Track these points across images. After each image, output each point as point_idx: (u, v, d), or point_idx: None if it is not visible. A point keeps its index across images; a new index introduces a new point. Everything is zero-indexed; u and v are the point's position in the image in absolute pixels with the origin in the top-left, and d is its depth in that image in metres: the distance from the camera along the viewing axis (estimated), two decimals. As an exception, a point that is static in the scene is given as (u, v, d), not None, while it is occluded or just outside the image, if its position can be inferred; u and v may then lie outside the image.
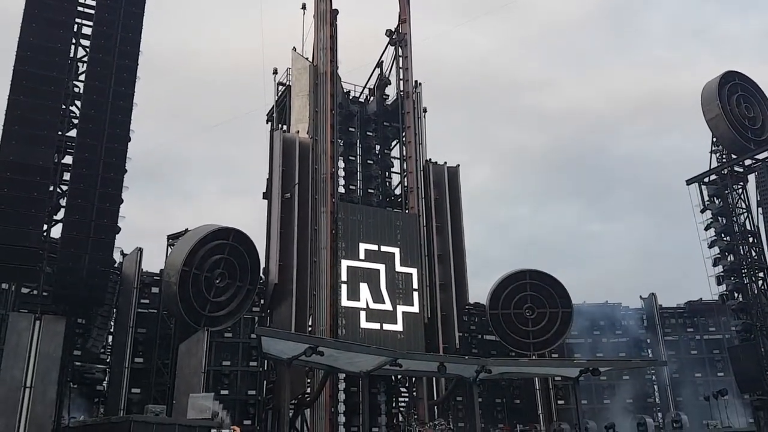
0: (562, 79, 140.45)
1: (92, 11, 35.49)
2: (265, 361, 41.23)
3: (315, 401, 37.20)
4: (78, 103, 34.52)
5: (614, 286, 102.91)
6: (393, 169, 48.25)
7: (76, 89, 34.84)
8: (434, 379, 41.15)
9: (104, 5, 35.36)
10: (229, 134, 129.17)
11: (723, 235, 50.39)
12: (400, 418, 42.21)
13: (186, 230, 40.57)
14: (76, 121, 34.22)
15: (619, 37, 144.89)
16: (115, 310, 40.97)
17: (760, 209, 49.68)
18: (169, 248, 41.69)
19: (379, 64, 48.85)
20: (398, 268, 42.32)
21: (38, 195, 31.74)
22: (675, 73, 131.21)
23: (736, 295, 49.50)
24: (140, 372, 40.81)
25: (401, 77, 47.78)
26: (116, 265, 39.71)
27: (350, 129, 46.74)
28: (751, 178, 51.03)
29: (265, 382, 42.48)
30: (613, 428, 45.99)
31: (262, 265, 40.39)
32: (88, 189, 32.63)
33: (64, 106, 34.00)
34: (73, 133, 33.99)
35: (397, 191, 47.58)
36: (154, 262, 44.20)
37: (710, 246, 50.72)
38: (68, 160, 33.52)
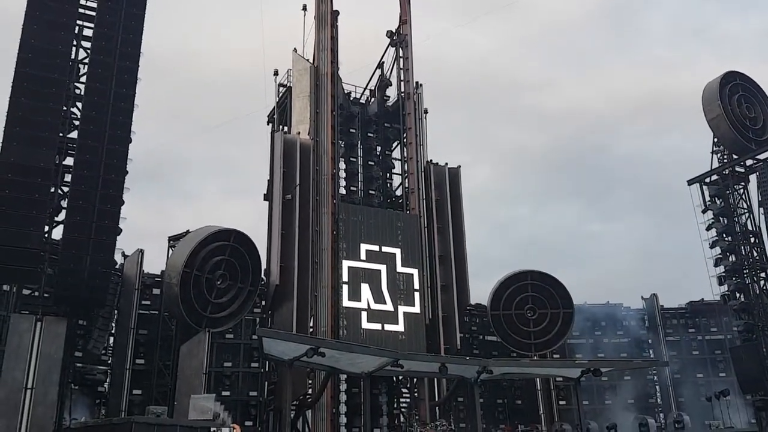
0: (562, 79, 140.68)
1: (93, 13, 35.61)
2: (267, 362, 41.29)
3: (316, 402, 37.25)
4: (79, 104, 34.63)
5: (614, 286, 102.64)
6: (394, 170, 48.40)
7: (78, 91, 34.98)
8: (436, 379, 41.20)
9: (105, 7, 35.44)
10: (230, 135, 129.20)
11: (724, 236, 50.36)
12: (402, 419, 42.31)
13: (187, 231, 40.58)
14: (77, 123, 34.30)
15: (620, 36, 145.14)
16: (116, 311, 40.91)
17: (761, 209, 49.69)
18: (170, 250, 41.65)
19: (380, 65, 48.93)
20: (399, 268, 42.42)
21: (39, 196, 31.77)
22: (675, 73, 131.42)
23: (737, 295, 49.46)
24: (141, 373, 40.82)
25: (402, 78, 47.90)
26: (117, 267, 39.77)
27: (351, 130, 46.85)
28: (753, 178, 51.05)
29: (266, 383, 42.46)
30: (615, 429, 45.82)
31: (264, 266, 40.43)
32: (89, 190, 32.68)
33: (65, 108, 34.10)
34: (74, 134, 34.09)
35: (398, 192, 47.71)
36: (155, 263, 44.16)
37: (711, 246, 50.65)
38: (69, 161, 33.65)
